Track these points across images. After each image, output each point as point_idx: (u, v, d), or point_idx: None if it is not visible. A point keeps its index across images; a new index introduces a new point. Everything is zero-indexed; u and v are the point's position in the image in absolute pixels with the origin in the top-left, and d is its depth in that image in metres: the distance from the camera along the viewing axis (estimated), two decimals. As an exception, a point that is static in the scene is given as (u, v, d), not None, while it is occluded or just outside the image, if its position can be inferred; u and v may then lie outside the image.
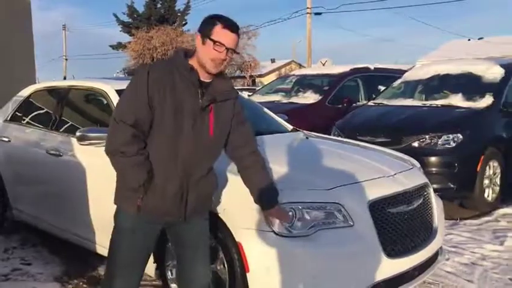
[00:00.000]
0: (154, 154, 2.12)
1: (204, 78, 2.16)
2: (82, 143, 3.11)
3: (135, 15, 33.77)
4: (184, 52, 2.20)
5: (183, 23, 34.32)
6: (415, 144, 4.94)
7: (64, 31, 40.04)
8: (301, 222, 2.43)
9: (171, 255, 2.85)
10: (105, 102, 3.52)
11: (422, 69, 6.57)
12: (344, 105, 7.16)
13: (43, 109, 4.17)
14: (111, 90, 3.49)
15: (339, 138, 3.85)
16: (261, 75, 34.96)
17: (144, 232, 2.20)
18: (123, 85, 3.58)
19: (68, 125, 3.74)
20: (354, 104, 7.25)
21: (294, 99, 7.38)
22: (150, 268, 2.99)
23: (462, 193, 4.93)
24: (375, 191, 2.61)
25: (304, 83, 8.02)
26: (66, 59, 39.51)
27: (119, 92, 3.46)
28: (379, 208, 2.56)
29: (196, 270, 2.32)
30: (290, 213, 2.41)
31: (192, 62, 2.15)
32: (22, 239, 4.23)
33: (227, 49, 2.09)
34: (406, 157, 3.38)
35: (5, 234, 4.32)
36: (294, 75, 8.65)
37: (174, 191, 2.13)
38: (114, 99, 3.40)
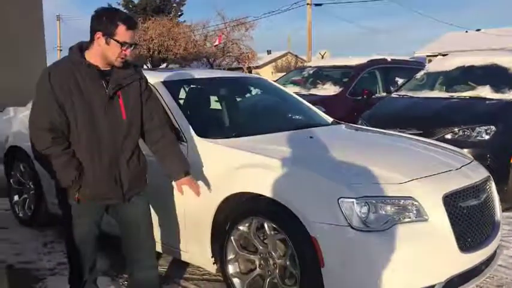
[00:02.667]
0: (79, 149, 2.31)
1: (105, 67, 2.33)
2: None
3: (130, 6, 33.40)
4: (79, 47, 2.35)
5: (179, 13, 34.06)
6: (448, 136, 4.91)
7: (58, 21, 39.56)
8: (375, 216, 2.40)
9: (232, 249, 2.81)
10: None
11: (445, 61, 6.54)
12: (364, 97, 7.12)
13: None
14: (157, 83, 3.41)
15: (389, 131, 3.80)
16: (257, 67, 34.82)
17: (89, 216, 2.47)
18: (171, 77, 3.57)
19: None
20: (374, 96, 7.22)
21: (314, 91, 7.34)
22: (208, 263, 2.96)
23: (496, 186, 4.91)
24: (447, 185, 2.58)
25: (321, 74, 7.97)
26: (60, 50, 39.05)
27: (166, 84, 3.39)
28: (451, 202, 2.53)
29: (141, 249, 2.59)
30: (365, 207, 2.38)
31: (90, 54, 2.31)
32: (58, 233, 4.16)
33: (131, 45, 2.28)
34: (459, 150, 3.36)
35: (40, 228, 4.26)
36: (310, 67, 8.60)
37: (104, 177, 2.35)
38: (162, 92, 3.31)
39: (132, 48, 2.32)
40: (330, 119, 4.01)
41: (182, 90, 3.65)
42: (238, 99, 4.02)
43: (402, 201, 2.44)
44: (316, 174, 2.50)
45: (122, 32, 2.26)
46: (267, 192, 2.58)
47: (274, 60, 38.56)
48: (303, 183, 2.51)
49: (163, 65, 29.17)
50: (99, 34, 2.27)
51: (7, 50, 7.29)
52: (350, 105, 6.94)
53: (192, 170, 2.89)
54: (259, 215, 2.67)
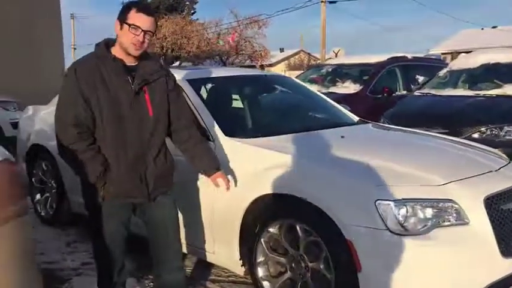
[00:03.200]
0: (104, 145, 2.27)
1: (130, 62, 2.31)
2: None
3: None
4: (105, 42, 2.34)
5: (192, 12, 34.09)
6: (475, 135, 4.80)
7: (72, 20, 39.81)
8: (414, 220, 2.31)
9: (261, 252, 2.74)
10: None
11: (469, 58, 6.41)
12: (384, 95, 7.01)
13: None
14: (182, 81, 3.35)
15: (420, 131, 3.71)
16: (270, 65, 34.76)
17: (116, 215, 2.40)
18: (195, 75, 3.51)
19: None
20: (394, 94, 7.11)
21: (333, 89, 7.23)
22: (236, 265, 2.89)
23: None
24: (488, 187, 2.49)
25: (340, 72, 7.86)
26: (74, 48, 39.33)
27: (191, 82, 3.33)
28: (492, 205, 2.44)
29: (169, 251, 2.53)
30: (403, 209, 2.29)
31: (115, 49, 2.31)
32: (80, 232, 4.13)
33: (144, 31, 2.24)
34: (493, 150, 3.25)
35: (62, 227, 4.23)
36: (329, 64, 8.50)
37: (129, 175, 2.30)
38: (187, 89, 3.26)
39: (145, 35, 2.25)
40: (355, 118, 3.93)
41: (206, 88, 3.58)
42: (263, 98, 3.95)
43: (441, 204, 2.35)
44: (353, 176, 2.42)
45: (132, 15, 2.24)
46: (300, 193, 2.51)
47: (287, 58, 38.47)
48: (338, 184, 2.43)
49: (176, 63, 29.24)
50: (116, 22, 2.28)
51: (27, 50, 7.31)
52: (370, 104, 6.84)
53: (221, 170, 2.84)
54: (290, 216, 2.60)
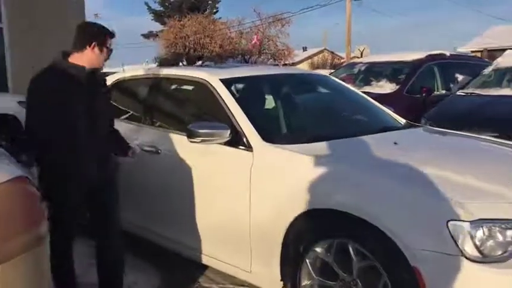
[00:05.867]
0: (74, 150, 2.45)
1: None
2: (193, 140, 2.71)
3: (167, 4, 33.56)
4: (65, 55, 2.51)
5: (215, 11, 33.96)
6: (531, 140, 4.38)
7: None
8: (493, 244, 1.96)
9: (306, 274, 2.43)
10: (208, 93, 3.08)
11: (517, 56, 5.98)
12: (422, 95, 6.60)
13: (131, 101, 3.78)
14: (215, 80, 3.07)
15: (482, 136, 3.33)
16: (294, 64, 34.34)
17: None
18: (229, 74, 3.23)
19: (165, 119, 3.35)
20: (433, 94, 6.70)
21: (368, 89, 6.83)
22: (275, 287, 2.58)
23: None
24: None
25: (374, 71, 7.47)
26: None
27: (225, 82, 3.05)
28: None
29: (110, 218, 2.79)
30: (480, 232, 1.94)
31: (81, 61, 2.47)
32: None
33: None
34: None
35: (82, 237, 3.97)
36: (361, 62, 8.09)
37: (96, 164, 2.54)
38: (220, 90, 2.98)
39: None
40: (402, 120, 3.59)
41: (241, 88, 3.28)
42: (304, 99, 3.62)
43: (525, 224, 1.99)
44: (420, 191, 2.07)
45: (109, 40, 2.54)
46: (354, 209, 2.18)
47: (310, 57, 38.01)
48: (402, 201, 2.09)
49: (199, 63, 29.11)
50: (94, 45, 2.47)
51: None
52: (407, 104, 6.40)
53: (260, 181, 2.54)
54: (341, 236, 2.27)
